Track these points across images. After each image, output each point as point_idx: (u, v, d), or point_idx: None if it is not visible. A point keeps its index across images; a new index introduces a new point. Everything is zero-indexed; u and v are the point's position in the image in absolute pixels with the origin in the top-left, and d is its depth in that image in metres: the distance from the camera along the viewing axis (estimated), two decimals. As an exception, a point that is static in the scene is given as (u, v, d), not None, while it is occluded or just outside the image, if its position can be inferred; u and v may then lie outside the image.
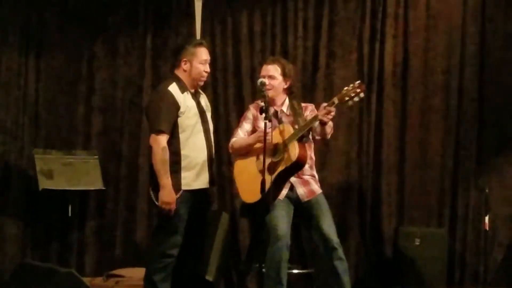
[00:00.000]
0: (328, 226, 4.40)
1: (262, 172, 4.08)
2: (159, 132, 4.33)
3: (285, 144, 4.29)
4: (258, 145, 4.39)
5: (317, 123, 4.29)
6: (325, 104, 4.20)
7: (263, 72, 4.57)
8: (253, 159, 4.52)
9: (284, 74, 4.53)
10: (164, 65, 6.01)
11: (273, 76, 4.51)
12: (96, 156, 5.89)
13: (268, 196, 4.07)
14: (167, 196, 4.33)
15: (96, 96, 6.16)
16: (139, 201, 6.02)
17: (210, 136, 4.54)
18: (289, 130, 4.37)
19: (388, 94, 5.90)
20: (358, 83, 4.13)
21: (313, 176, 4.59)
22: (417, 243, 5.58)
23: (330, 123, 4.31)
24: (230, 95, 6.00)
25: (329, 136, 4.42)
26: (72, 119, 6.14)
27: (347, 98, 4.11)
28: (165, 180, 4.31)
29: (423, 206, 5.89)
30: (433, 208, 5.87)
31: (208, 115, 4.59)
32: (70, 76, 6.14)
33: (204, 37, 5.87)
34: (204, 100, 4.60)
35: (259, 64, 5.67)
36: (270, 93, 4.39)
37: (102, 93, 6.15)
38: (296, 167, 4.33)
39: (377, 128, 5.90)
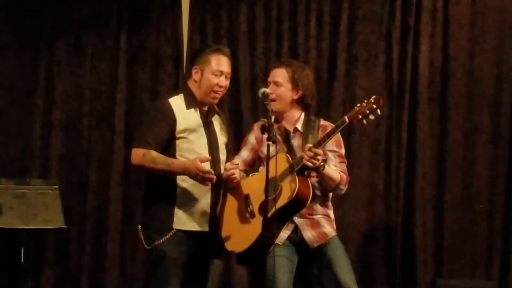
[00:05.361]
0: (346, 272, 4.04)
1: (251, 213, 3.99)
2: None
3: (282, 178, 4.00)
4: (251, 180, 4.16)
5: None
6: (310, 145, 3.92)
7: (269, 78, 4.29)
8: (242, 198, 4.19)
9: (293, 82, 4.16)
10: (142, 71, 5.81)
11: (278, 82, 4.17)
12: (56, 186, 5.56)
13: (264, 240, 3.84)
14: (191, 166, 3.85)
15: (57, 110, 5.86)
16: (109, 243, 5.75)
17: (219, 168, 4.15)
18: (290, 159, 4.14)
19: (423, 110, 5.62)
20: (374, 98, 3.90)
21: (326, 215, 4.22)
22: (460, 300, 5.50)
23: (331, 172, 3.97)
24: (224, 109, 5.56)
25: (341, 191, 4.09)
26: (26, 139, 5.87)
27: (360, 116, 3.87)
28: (174, 163, 3.91)
29: (467, 252, 5.59)
30: (479, 255, 5.58)
31: (221, 140, 4.24)
32: (24, 85, 5.88)
33: (192, 36, 5.74)
34: (218, 122, 4.29)
35: (261, 70, 5.60)
36: (273, 105, 4.09)
37: (64, 107, 5.88)
38: (296, 205, 3.99)
39: (409, 153, 5.61)
